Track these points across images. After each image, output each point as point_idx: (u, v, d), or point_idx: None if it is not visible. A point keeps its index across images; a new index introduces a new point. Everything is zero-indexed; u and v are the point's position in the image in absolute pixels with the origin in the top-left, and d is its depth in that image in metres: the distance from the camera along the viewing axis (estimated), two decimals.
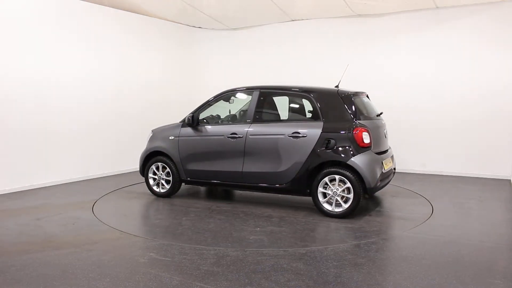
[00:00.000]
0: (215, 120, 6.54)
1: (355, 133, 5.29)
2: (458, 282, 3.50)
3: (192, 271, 3.71)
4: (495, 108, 7.94)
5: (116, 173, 8.54)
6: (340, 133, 5.37)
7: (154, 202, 6.45)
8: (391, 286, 3.43)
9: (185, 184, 6.67)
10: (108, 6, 8.33)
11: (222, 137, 6.08)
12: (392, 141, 8.80)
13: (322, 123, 5.52)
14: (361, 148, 5.30)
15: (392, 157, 6.15)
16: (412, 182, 7.70)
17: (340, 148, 5.33)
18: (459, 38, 8.18)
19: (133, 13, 8.90)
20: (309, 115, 6.02)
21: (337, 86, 6.01)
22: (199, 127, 6.37)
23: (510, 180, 7.75)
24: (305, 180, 5.53)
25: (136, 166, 9.00)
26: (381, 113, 6.20)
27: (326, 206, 5.43)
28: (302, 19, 9.60)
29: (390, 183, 6.22)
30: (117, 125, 8.59)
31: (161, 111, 9.64)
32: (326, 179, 5.39)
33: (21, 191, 6.89)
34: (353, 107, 5.52)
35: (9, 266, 3.82)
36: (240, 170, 5.92)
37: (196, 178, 6.36)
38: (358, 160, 5.25)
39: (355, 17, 9.04)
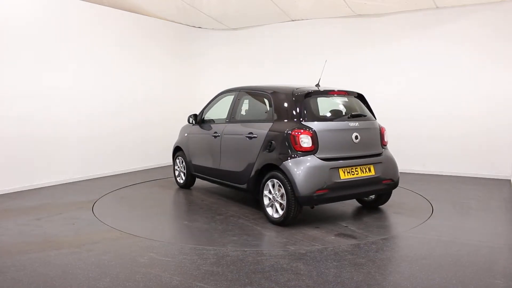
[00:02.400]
0: (213, 119, 6.66)
1: (292, 135, 4.91)
2: (458, 282, 3.50)
3: (192, 271, 3.71)
4: (495, 108, 7.93)
5: (116, 173, 8.53)
6: (279, 135, 5.07)
7: (154, 202, 6.45)
8: (391, 286, 3.43)
9: (196, 177, 7.10)
10: (108, 6, 8.33)
11: (209, 135, 6.44)
12: (392, 141, 8.83)
13: (271, 124, 5.30)
14: (298, 151, 4.88)
15: (379, 164, 5.33)
16: (412, 182, 7.69)
17: (278, 151, 5.04)
18: (459, 38, 8.18)
19: (133, 13, 8.90)
20: (265, 115, 5.66)
21: (317, 85, 5.66)
22: (201, 126, 6.77)
23: (510, 180, 7.75)
24: (257, 182, 5.38)
25: (136, 166, 9.02)
26: (358, 115, 5.46)
27: (268, 211, 5.19)
28: (302, 19, 9.60)
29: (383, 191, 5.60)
30: (117, 125, 8.59)
31: (161, 111, 9.65)
32: (269, 183, 5.16)
33: (21, 191, 6.89)
34: (303, 108, 5.12)
35: (9, 266, 3.82)
36: (218, 167, 6.23)
37: (199, 173, 6.81)
38: (290, 165, 4.85)
39: (355, 17, 9.04)
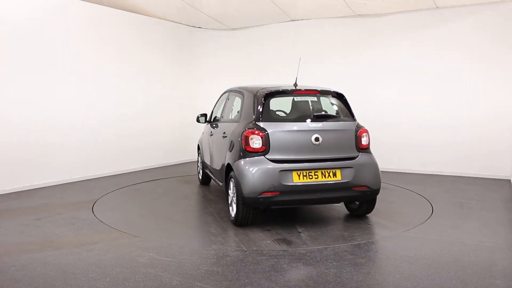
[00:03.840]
0: (217, 118, 6.73)
1: (244, 135, 4.85)
2: (458, 282, 3.50)
3: (192, 271, 3.72)
4: (495, 107, 7.93)
5: (116, 173, 8.53)
6: (237, 135, 5.07)
7: (154, 202, 6.45)
8: (391, 286, 3.43)
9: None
10: (108, 6, 8.33)
11: (207, 134, 6.87)
12: (392, 141, 8.85)
13: (237, 124, 5.32)
14: (249, 152, 4.81)
15: (349, 169, 4.93)
16: (412, 182, 7.69)
17: (234, 151, 5.05)
18: (459, 38, 8.17)
19: (133, 13, 8.90)
20: (237, 115, 5.63)
21: (295, 84, 5.49)
22: (210, 125, 6.90)
23: (510, 180, 7.75)
24: (226, 181, 5.39)
25: (135, 166, 9.02)
26: (322, 116, 5.24)
27: (230, 209, 5.22)
28: (302, 19, 9.60)
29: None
30: (117, 125, 8.58)
31: (161, 111, 9.64)
32: (230, 182, 5.14)
33: (21, 191, 6.88)
34: (262, 108, 5.01)
35: (9, 266, 3.82)
36: (212, 166, 6.45)
37: (207, 170, 7.01)
38: (239, 165, 4.83)
39: (355, 17, 9.04)
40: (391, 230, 5.03)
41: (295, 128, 4.95)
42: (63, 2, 7.53)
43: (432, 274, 3.65)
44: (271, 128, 4.87)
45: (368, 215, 5.57)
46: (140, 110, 9.11)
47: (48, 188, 7.18)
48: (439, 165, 8.47)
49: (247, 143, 4.83)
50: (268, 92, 5.16)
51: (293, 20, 9.69)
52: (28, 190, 6.97)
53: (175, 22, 9.99)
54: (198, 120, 7.06)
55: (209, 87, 10.26)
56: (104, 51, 8.32)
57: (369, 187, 5.00)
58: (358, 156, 5.06)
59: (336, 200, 5.26)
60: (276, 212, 5.71)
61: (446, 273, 3.68)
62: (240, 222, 4.97)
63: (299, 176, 4.76)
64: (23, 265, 3.85)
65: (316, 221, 5.29)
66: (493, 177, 7.98)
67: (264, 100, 5.07)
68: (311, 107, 5.56)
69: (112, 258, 4.03)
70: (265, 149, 4.80)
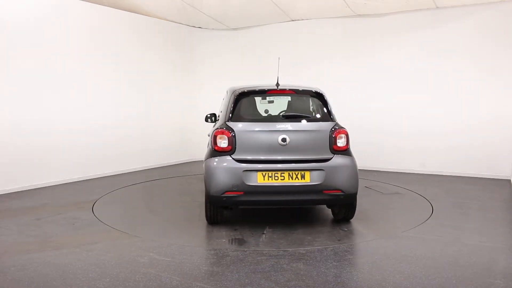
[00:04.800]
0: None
1: (214, 135, 4.92)
2: (458, 282, 3.50)
3: (192, 271, 3.72)
4: (496, 107, 7.94)
5: (116, 173, 8.53)
6: (210, 135, 5.17)
7: (154, 202, 6.45)
8: (391, 286, 3.43)
9: None
10: (108, 6, 8.33)
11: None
12: (392, 141, 8.86)
13: (215, 123, 5.38)
14: (217, 151, 4.84)
15: (320, 172, 4.75)
16: (412, 182, 7.69)
17: (207, 150, 5.15)
18: (459, 38, 8.18)
19: (133, 13, 8.90)
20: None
21: (277, 84, 5.36)
22: None
23: (510, 180, 7.75)
24: None
25: (135, 166, 9.02)
26: (292, 116, 5.15)
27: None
28: (302, 19, 9.60)
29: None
30: (117, 126, 8.58)
31: (161, 110, 9.64)
32: None
33: (21, 191, 6.88)
34: (235, 107, 5.05)
35: (9, 266, 3.82)
36: None
37: None
38: (206, 164, 4.90)
39: (355, 17, 9.04)
40: (391, 230, 5.02)
41: (262, 128, 4.90)
42: (63, 2, 7.53)
43: (432, 274, 3.65)
44: (239, 128, 4.87)
45: (367, 215, 5.56)
46: (140, 109, 9.11)
47: (48, 188, 7.18)
48: (439, 165, 8.47)
49: (215, 142, 4.87)
50: (240, 92, 5.15)
51: (293, 20, 9.69)
52: (28, 190, 6.97)
53: (175, 22, 9.99)
54: (206, 120, 6.91)
55: (209, 87, 10.27)
56: (104, 51, 8.32)
57: (343, 191, 4.77)
58: (332, 158, 4.85)
59: (306, 203, 5.08)
60: (268, 212, 5.72)
61: (446, 273, 3.68)
62: (211, 220, 5.08)
63: (264, 176, 4.71)
64: (23, 265, 3.85)
65: (294, 223, 5.18)
66: (493, 177, 7.99)
67: (236, 100, 5.09)
68: (287, 107, 5.54)
69: (112, 258, 4.03)
70: (231, 149, 4.80)
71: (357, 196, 5.00)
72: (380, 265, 3.85)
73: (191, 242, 4.57)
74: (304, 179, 4.73)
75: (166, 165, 9.69)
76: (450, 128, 8.31)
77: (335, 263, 3.91)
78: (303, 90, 5.37)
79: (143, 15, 9.14)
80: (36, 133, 7.12)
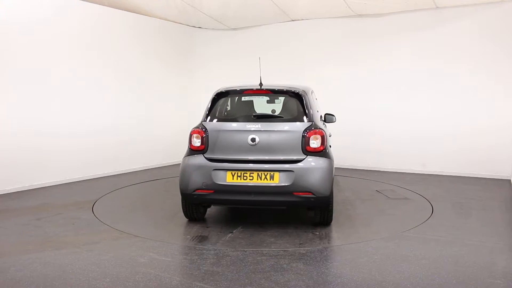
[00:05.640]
0: None
1: (190, 134, 5.03)
2: (458, 282, 3.50)
3: (192, 271, 3.72)
4: (495, 107, 7.94)
5: (116, 173, 8.53)
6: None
7: (154, 202, 6.45)
8: (391, 286, 3.43)
9: None
10: (108, 6, 8.33)
11: None
12: (392, 141, 8.86)
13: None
14: (192, 150, 4.98)
15: (290, 173, 4.66)
16: (412, 182, 7.69)
17: (186, 149, 5.21)
18: (459, 38, 8.18)
19: (133, 13, 8.90)
20: None
21: (260, 84, 5.36)
22: None
23: (510, 180, 7.75)
24: None
25: (135, 166, 9.02)
26: (264, 116, 5.20)
27: None
28: (302, 19, 9.60)
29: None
30: (117, 125, 8.58)
31: (160, 110, 9.64)
32: None
33: (21, 191, 6.88)
34: (212, 107, 5.16)
35: (9, 266, 3.82)
36: None
37: None
38: (182, 162, 5.02)
39: (355, 17, 9.04)
40: (391, 230, 5.02)
41: (233, 128, 4.96)
42: (63, 2, 7.52)
43: (432, 274, 3.65)
44: (212, 127, 4.97)
45: (367, 215, 5.56)
46: (139, 109, 9.11)
47: (48, 188, 7.18)
48: (439, 165, 8.47)
49: (190, 141, 5.00)
50: (217, 92, 5.25)
51: (293, 20, 9.69)
52: (28, 190, 6.96)
53: (175, 22, 9.99)
54: None
55: (209, 87, 10.22)
56: (104, 52, 8.32)
57: (313, 194, 4.64)
58: (303, 159, 4.75)
59: (277, 204, 5.00)
60: (253, 211, 5.77)
61: (446, 273, 3.68)
62: (187, 216, 5.24)
63: (233, 176, 4.74)
64: (23, 265, 3.85)
65: (269, 224, 5.15)
66: (493, 177, 7.99)
67: (213, 100, 5.21)
68: (260, 107, 5.55)
69: (112, 258, 4.03)
70: (204, 148, 4.91)
71: (360, 200, 4.91)
72: (380, 265, 3.85)
73: (158, 237, 4.71)
74: (273, 180, 4.68)
75: (166, 165, 9.68)
76: (450, 128, 8.31)
77: (335, 263, 3.91)
78: (280, 90, 5.29)
79: (143, 15, 9.15)
80: (36, 134, 7.11)
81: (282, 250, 4.24)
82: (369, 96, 9.02)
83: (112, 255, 4.12)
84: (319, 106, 6.54)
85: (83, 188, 7.26)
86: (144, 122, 9.19)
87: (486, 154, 8.05)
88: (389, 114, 8.86)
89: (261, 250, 4.24)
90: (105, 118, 8.33)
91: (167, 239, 4.66)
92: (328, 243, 4.52)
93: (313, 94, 5.85)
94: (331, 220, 5.08)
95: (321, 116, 6.60)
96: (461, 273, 3.69)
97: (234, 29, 10.42)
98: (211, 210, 5.76)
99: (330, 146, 5.17)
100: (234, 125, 5.01)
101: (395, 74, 8.78)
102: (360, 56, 9.07)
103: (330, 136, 6.49)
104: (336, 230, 4.94)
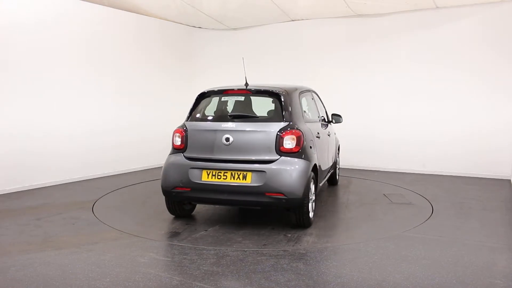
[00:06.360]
0: None
1: (173, 134, 5.20)
2: (458, 282, 3.50)
3: (192, 271, 3.72)
4: (495, 107, 7.94)
5: (116, 173, 8.53)
6: None
7: (154, 202, 6.45)
8: (391, 286, 3.43)
9: None
10: (108, 6, 8.33)
11: None
12: (392, 141, 8.86)
13: None
14: (174, 149, 5.16)
15: (262, 173, 4.63)
16: (412, 182, 7.69)
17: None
18: (460, 38, 8.18)
19: (133, 13, 8.89)
20: None
21: (246, 84, 5.37)
22: None
23: (510, 180, 7.75)
24: None
25: (135, 166, 9.01)
26: (239, 116, 5.19)
27: None
28: (302, 19, 9.60)
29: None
30: (117, 125, 8.58)
31: (160, 111, 9.64)
32: None
33: (21, 191, 6.88)
34: (195, 107, 5.32)
35: (9, 266, 3.82)
36: None
37: None
38: (165, 160, 5.18)
39: (355, 17, 9.04)
40: (391, 230, 5.02)
41: (209, 128, 5.06)
42: (63, 2, 7.52)
43: (432, 274, 3.65)
44: (191, 127, 5.11)
45: (367, 215, 5.56)
46: (139, 109, 9.10)
47: (48, 188, 7.18)
48: (439, 165, 8.47)
49: (173, 140, 5.17)
50: (200, 92, 5.37)
51: (293, 20, 9.69)
52: (28, 190, 6.96)
53: (175, 22, 9.99)
54: None
55: (208, 87, 10.24)
56: (104, 52, 8.31)
57: (285, 195, 4.59)
58: (276, 160, 4.70)
59: (250, 204, 4.94)
60: (239, 211, 5.79)
61: (446, 273, 3.68)
62: (171, 212, 5.40)
63: (208, 175, 4.82)
64: (23, 265, 3.85)
65: (247, 225, 5.15)
66: (493, 177, 7.99)
67: (196, 100, 5.34)
68: (240, 107, 5.56)
69: (112, 258, 4.03)
70: (183, 147, 5.06)
71: (358, 203, 4.84)
72: (380, 265, 3.85)
73: (135, 231, 4.86)
74: (245, 180, 4.69)
75: None
76: (450, 128, 8.31)
77: (335, 263, 3.91)
78: (259, 90, 5.26)
79: (143, 15, 9.14)
80: (36, 134, 7.11)
81: (282, 250, 4.24)
82: (369, 95, 9.01)
83: (112, 255, 4.12)
84: (319, 107, 6.55)
85: (83, 188, 7.26)
86: (144, 122, 9.18)
87: (486, 154, 8.05)
88: (389, 113, 8.86)
89: (259, 250, 4.24)
90: (105, 118, 8.33)
91: (142, 234, 4.79)
92: (293, 245, 4.38)
93: (305, 94, 5.82)
94: (308, 222, 4.93)
95: (324, 118, 6.62)
96: (461, 273, 3.69)
97: (234, 29, 10.42)
98: (203, 208, 5.86)
99: (311, 147, 5.03)
100: (210, 125, 5.14)
101: (395, 74, 8.77)
102: (360, 56, 9.06)
103: (329, 136, 6.49)
104: (311, 233, 4.79)
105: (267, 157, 4.72)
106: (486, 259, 4.03)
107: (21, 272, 3.70)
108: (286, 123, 4.84)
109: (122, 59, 8.70)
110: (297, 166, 4.70)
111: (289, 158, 4.71)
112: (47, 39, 7.27)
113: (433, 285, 3.44)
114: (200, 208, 5.91)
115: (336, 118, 6.84)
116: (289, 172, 4.65)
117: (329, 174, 6.68)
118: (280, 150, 4.72)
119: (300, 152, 4.77)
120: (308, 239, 4.60)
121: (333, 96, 8.93)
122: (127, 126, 8.80)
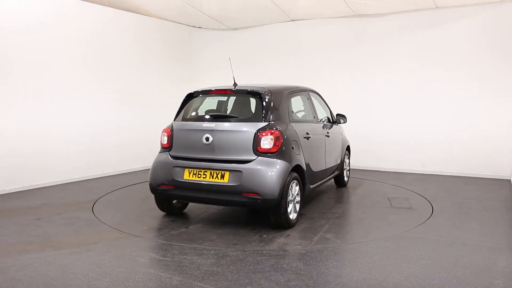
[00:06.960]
0: None
1: (161, 133, 5.35)
2: (458, 282, 3.50)
3: (192, 271, 3.72)
4: (495, 107, 7.94)
5: (116, 173, 8.53)
6: None
7: (154, 202, 6.44)
8: (391, 286, 3.43)
9: None
10: (108, 6, 8.33)
11: None
12: (392, 141, 8.86)
13: None
14: (162, 148, 5.30)
15: (238, 173, 4.65)
16: (412, 182, 7.69)
17: None
18: (460, 38, 8.18)
19: (133, 13, 8.89)
20: None
21: (234, 84, 5.43)
22: None
23: (510, 180, 7.75)
24: None
25: (135, 166, 9.01)
26: (219, 116, 5.29)
27: None
28: (302, 19, 9.60)
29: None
30: (117, 125, 8.58)
31: (160, 111, 9.62)
32: None
33: (21, 191, 6.88)
34: (183, 107, 5.43)
35: (9, 266, 3.82)
36: None
37: None
38: (154, 159, 5.31)
39: (355, 17, 9.04)
40: (391, 230, 5.02)
41: (191, 127, 5.17)
42: (63, 2, 7.52)
43: (432, 274, 3.65)
44: (177, 126, 5.24)
45: (367, 215, 5.55)
46: (139, 109, 9.10)
47: (48, 188, 7.18)
48: (439, 165, 8.47)
49: (161, 139, 5.32)
50: (188, 93, 5.49)
51: (293, 20, 9.69)
52: (28, 190, 6.96)
53: (175, 22, 9.99)
54: None
55: (208, 86, 10.25)
56: (104, 52, 8.31)
57: (260, 195, 4.58)
58: (253, 160, 4.71)
59: (228, 204, 5.05)
60: (228, 210, 5.82)
61: (446, 273, 3.68)
62: (160, 208, 5.54)
63: (189, 173, 4.95)
64: (23, 265, 3.85)
65: (229, 224, 5.17)
66: (493, 177, 7.99)
67: (184, 100, 5.46)
68: (223, 107, 5.65)
69: (112, 258, 4.03)
70: (169, 146, 5.20)
71: (357, 206, 4.81)
72: (380, 265, 3.85)
73: (121, 227, 5.02)
74: (223, 179, 4.75)
75: None
76: (450, 127, 8.31)
77: (335, 263, 3.91)
78: (241, 91, 5.28)
79: (143, 15, 9.14)
80: (36, 134, 7.11)
81: (282, 250, 4.24)
82: (369, 95, 9.02)
83: (112, 255, 4.12)
84: (318, 107, 6.54)
85: (83, 188, 7.26)
86: (143, 122, 9.18)
87: (486, 154, 8.05)
88: (389, 113, 8.86)
89: (259, 250, 4.24)
90: (105, 118, 8.33)
91: (125, 229, 4.93)
92: (262, 246, 4.34)
93: (297, 94, 5.78)
94: (288, 223, 4.87)
95: (327, 118, 6.62)
96: (461, 273, 3.69)
97: (234, 29, 10.42)
98: (197, 206, 5.92)
99: (293, 148, 4.99)
100: (193, 125, 5.21)
101: (395, 74, 8.78)
102: (360, 56, 9.07)
103: (328, 136, 6.46)
104: (288, 235, 4.71)
105: (244, 157, 4.75)
106: (486, 259, 4.03)
107: (21, 272, 3.70)
108: (266, 123, 4.84)
109: (122, 59, 8.70)
110: (273, 167, 4.67)
111: (266, 158, 4.71)
112: (47, 39, 7.27)
113: (433, 285, 3.44)
114: (194, 206, 5.96)
115: (339, 118, 6.86)
116: (265, 172, 4.64)
117: (331, 176, 6.61)
118: (258, 150, 4.74)
119: (277, 152, 4.75)
120: (281, 241, 4.54)
121: (333, 96, 8.93)
122: (127, 126, 8.80)
